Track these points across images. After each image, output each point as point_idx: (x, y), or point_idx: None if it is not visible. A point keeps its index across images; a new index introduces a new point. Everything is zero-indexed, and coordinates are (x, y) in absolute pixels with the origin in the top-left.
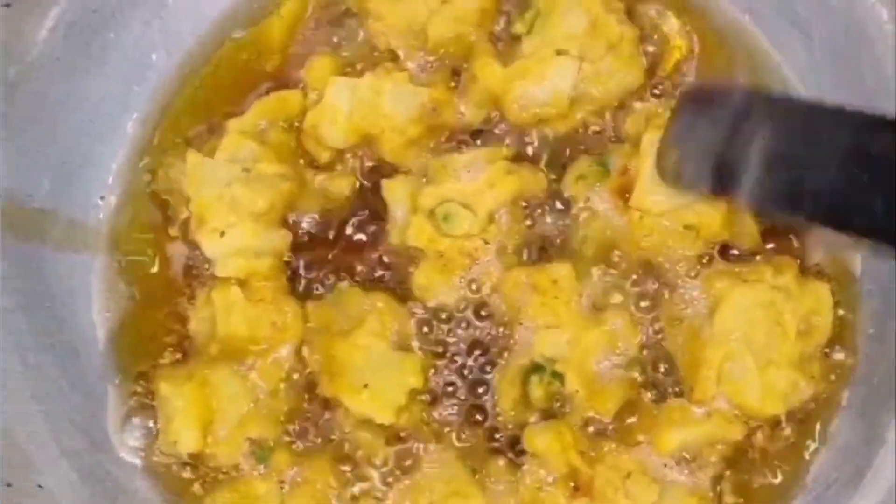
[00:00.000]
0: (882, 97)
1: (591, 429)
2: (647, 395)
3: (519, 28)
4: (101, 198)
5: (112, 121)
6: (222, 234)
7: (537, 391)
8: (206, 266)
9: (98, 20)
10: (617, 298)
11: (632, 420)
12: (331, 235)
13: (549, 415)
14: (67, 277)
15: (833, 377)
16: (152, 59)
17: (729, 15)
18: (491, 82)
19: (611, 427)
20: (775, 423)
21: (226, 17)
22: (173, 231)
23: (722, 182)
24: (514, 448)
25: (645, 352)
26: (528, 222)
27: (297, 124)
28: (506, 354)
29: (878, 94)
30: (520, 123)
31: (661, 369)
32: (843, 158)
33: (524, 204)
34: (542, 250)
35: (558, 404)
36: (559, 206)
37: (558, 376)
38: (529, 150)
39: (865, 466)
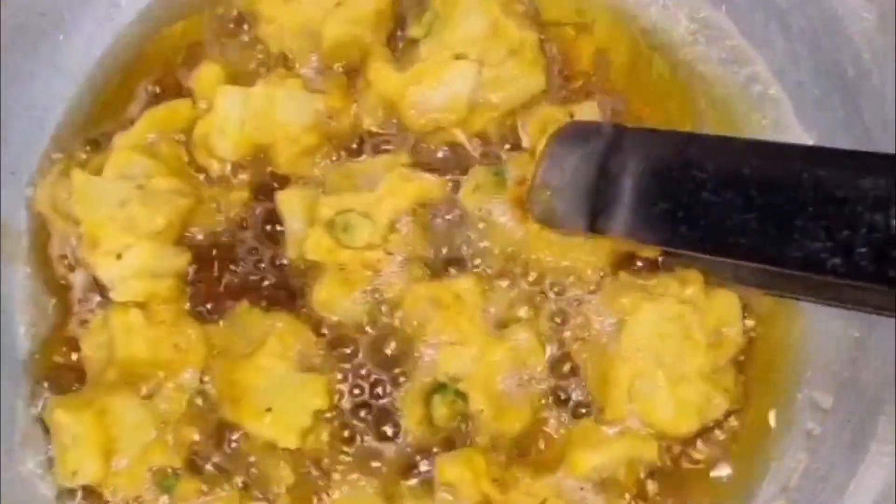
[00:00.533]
0: (863, 87)
1: (503, 455)
2: (558, 416)
3: (416, 31)
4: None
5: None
6: (119, 256)
7: (440, 410)
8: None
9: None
10: (523, 313)
11: (543, 442)
12: (227, 251)
13: (453, 435)
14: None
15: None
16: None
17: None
18: (386, 87)
19: (519, 450)
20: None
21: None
22: (60, 252)
23: (596, 218)
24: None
25: (552, 369)
26: (431, 232)
27: (186, 136)
28: (409, 373)
29: (858, 85)
30: (418, 130)
31: (571, 387)
32: (715, 185)
33: (426, 212)
34: (449, 262)
35: (463, 424)
36: (460, 215)
37: (462, 395)
38: (428, 158)
39: (849, 476)
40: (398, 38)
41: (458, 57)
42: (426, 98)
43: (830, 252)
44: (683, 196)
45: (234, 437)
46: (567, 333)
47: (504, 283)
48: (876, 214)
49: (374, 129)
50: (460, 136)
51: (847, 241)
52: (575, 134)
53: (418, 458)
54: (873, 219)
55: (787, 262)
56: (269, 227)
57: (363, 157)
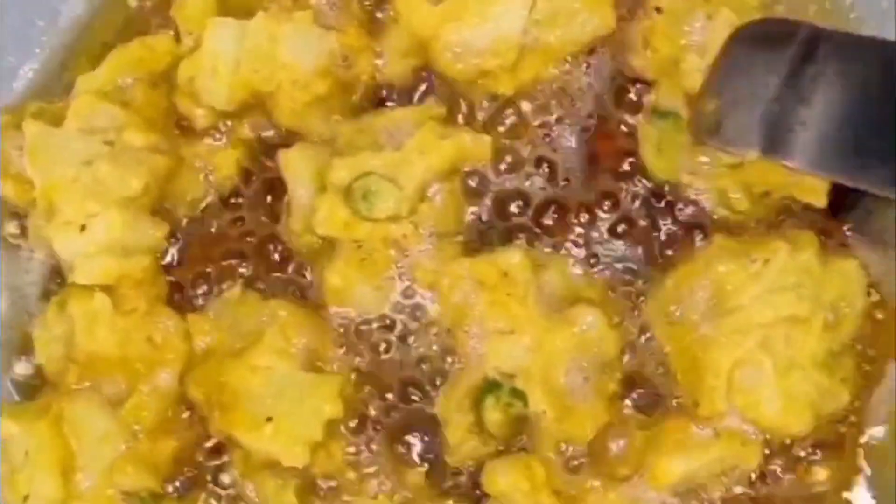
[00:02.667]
0: None
1: (567, 461)
2: (637, 414)
3: None
4: None
5: (11, 63)
6: (82, 227)
7: (494, 415)
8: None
9: None
10: (588, 291)
11: (618, 446)
12: (215, 225)
13: (512, 446)
14: None
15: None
16: None
17: None
18: (417, 23)
19: (590, 457)
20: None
21: None
22: (12, 227)
23: (773, 139)
24: (472, 492)
25: (629, 357)
26: (471, 201)
27: (167, 80)
28: (451, 372)
29: None
30: (455, 78)
31: (653, 380)
32: None
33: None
34: (487, 234)
35: (522, 435)
36: (509, 178)
37: (519, 394)
38: (466, 110)
39: None
40: None
41: None
42: (466, 38)
43: None
44: (885, 127)
45: (225, 452)
46: (648, 312)
47: (562, 254)
48: None
49: (400, 76)
50: (507, 86)
51: None
52: (763, 36)
53: (462, 478)
54: None
55: None
56: (269, 195)
57: (386, 108)
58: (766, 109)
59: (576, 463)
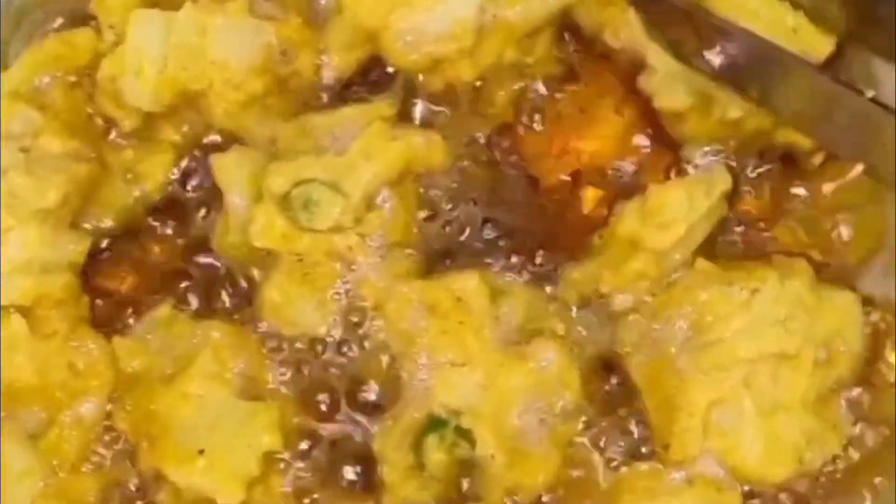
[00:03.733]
0: None
1: None
2: (600, 458)
3: None
4: None
5: None
6: None
7: (437, 456)
8: None
9: None
10: (551, 321)
11: (578, 492)
12: (144, 239)
13: (453, 491)
14: None
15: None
16: None
17: None
18: (365, 13)
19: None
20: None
21: None
22: None
23: None
24: None
25: (597, 392)
26: (424, 210)
27: (88, 80)
28: (393, 404)
29: None
30: (408, 69)
31: (620, 419)
32: None
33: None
34: (447, 252)
35: (466, 476)
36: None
37: (466, 434)
38: (421, 108)
39: None
40: None
41: None
42: (419, 23)
43: None
44: None
45: (155, 489)
46: (617, 342)
47: (523, 280)
48: None
49: (346, 71)
50: (467, 73)
51: None
52: None
53: None
54: None
55: None
56: (203, 204)
57: (330, 108)
58: None
59: None
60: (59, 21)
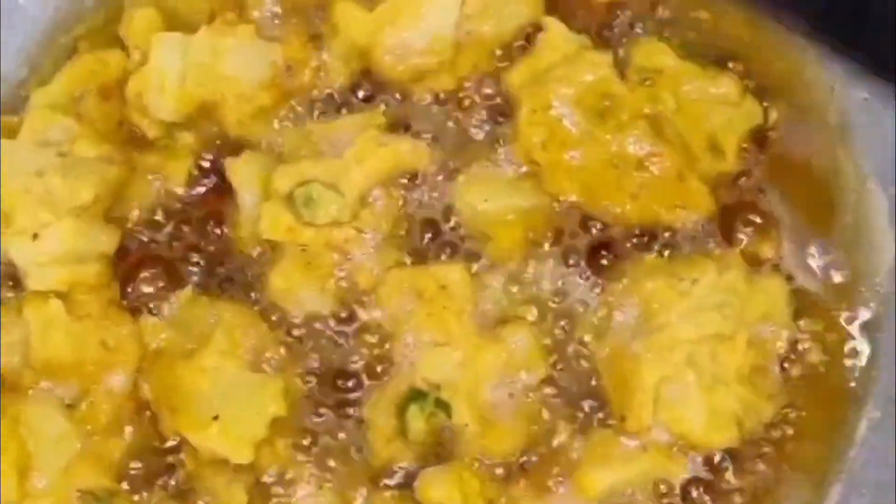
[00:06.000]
0: None
1: (498, 470)
2: (566, 426)
3: None
4: None
5: None
6: (35, 236)
7: (417, 423)
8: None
9: None
10: (522, 310)
11: (547, 457)
12: (166, 231)
13: (430, 453)
14: None
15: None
16: (18, 2)
17: None
18: (356, 32)
19: (520, 466)
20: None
21: None
22: None
23: None
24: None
25: (560, 370)
26: (411, 206)
27: (118, 93)
28: (382, 376)
29: None
30: (396, 80)
31: (583, 393)
32: None
33: (404, 181)
34: (433, 244)
35: (442, 441)
36: (447, 184)
37: (444, 406)
38: (409, 115)
39: None
40: None
41: None
42: (404, 40)
43: None
44: None
45: (177, 451)
46: (578, 327)
47: (500, 271)
48: None
49: (342, 83)
50: (447, 82)
51: None
52: None
53: (395, 468)
54: None
55: None
56: (218, 201)
57: (328, 117)
58: None
59: (506, 473)
60: (91, 42)
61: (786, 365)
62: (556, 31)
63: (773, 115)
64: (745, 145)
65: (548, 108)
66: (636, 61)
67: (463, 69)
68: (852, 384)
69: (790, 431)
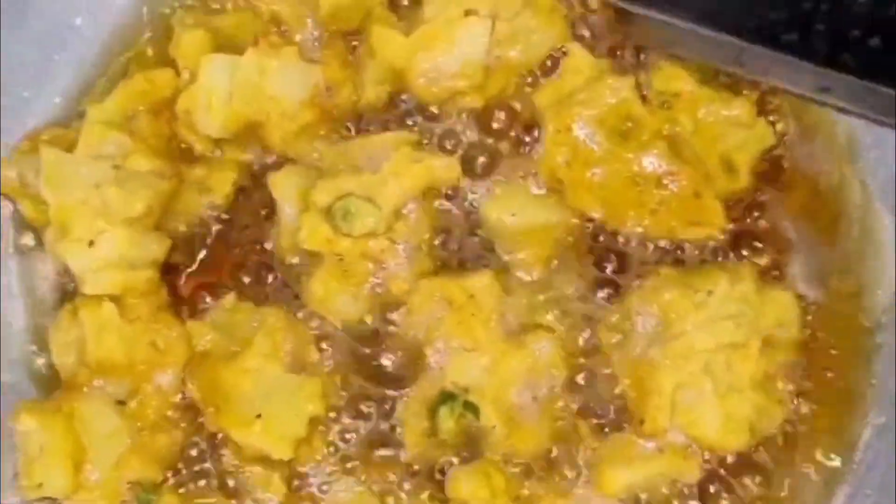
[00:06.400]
0: None
1: (522, 468)
2: (587, 427)
3: None
4: None
5: (28, 95)
6: (91, 243)
7: (447, 424)
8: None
9: None
10: (545, 319)
11: (570, 457)
12: (212, 240)
13: (459, 452)
14: None
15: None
16: (76, 24)
17: None
18: (392, 55)
19: (544, 464)
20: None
21: None
22: (28, 239)
23: None
24: (435, 481)
25: (582, 377)
26: (442, 220)
27: (168, 111)
28: (414, 379)
29: None
30: (430, 100)
31: (604, 398)
32: None
33: (436, 195)
34: (462, 255)
35: (471, 440)
36: (477, 199)
37: (472, 408)
38: (439, 133)
39: None
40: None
41: (468, 13)
42: (437, 64)
43: (786, 26)
44: None
45: (220, 446)
46: (599, 335)
47: (525, 282)
48: None
49: (378, 103)
50: (477, 102)
51: (806, 16)
52: None
53: (427, 466)
54: None
55: (743, 32)
56: (260, 213)
57: (365, 135)
58: None
59: (531, 471)
60: (143, 62)
61: (795, 372)
62: (579, 57)
63: (783, 135)
64: (757, 165)
65: (571, 128)
66: (656, 85)
67: (492, 90)
68: (858, 388)
69: (799, 433)
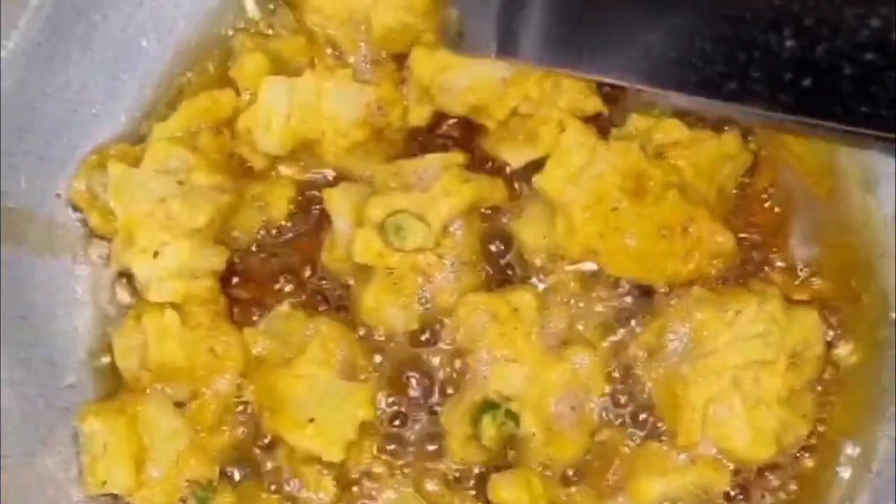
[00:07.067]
0: None
1: (561, 476)
2: (623, 438)
3: None
4: None
5: (97, 112)
6: (156, 254)
7: (489, 431)
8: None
9: (83, 0)
10: (584, 333)
11: (606, 466)
12: (269, 252)
13: (500, 459)
14: (46, 284)
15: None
16: (142, 45)
17: None
18: (422, 74)
19: (581, 473)
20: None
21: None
22: (94, 251)
23: (504, 41)
24: (478, 486)
25: (619, 389)
26: (488, 235)
27: (229, 129)
28: (458, 388)
29: None
30: (457, 114)
31: (638, 409)
32: (620, 3)
33: (483, 213)
34: (506, 271)
35: (511, 449)
36: (513, 218)
37: (513, 416)
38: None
39: None
40: (451, 25)
41: None
42: (458, 81)
43: (726, 77)
44: (590, 16)
45: (274, 448)
46: (636, 351)
47: (565, 298)
48: (770, 35)
49: (421, 121)
50: (500, 113)
51: (742, 65)
52: None
53: (470, 471)
54: (767, 40)
55: (686, 86)
56: (315, 227)
57: (416, 154)
58: (497, 14)
59: (569, 479)
60: (205, 82)
61: (819, 387)
62: (577, 130)
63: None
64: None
65: (602, 201)
66: (657, 138)
67: (511, 101)
68: (878, 399)
69: (821, 443)
